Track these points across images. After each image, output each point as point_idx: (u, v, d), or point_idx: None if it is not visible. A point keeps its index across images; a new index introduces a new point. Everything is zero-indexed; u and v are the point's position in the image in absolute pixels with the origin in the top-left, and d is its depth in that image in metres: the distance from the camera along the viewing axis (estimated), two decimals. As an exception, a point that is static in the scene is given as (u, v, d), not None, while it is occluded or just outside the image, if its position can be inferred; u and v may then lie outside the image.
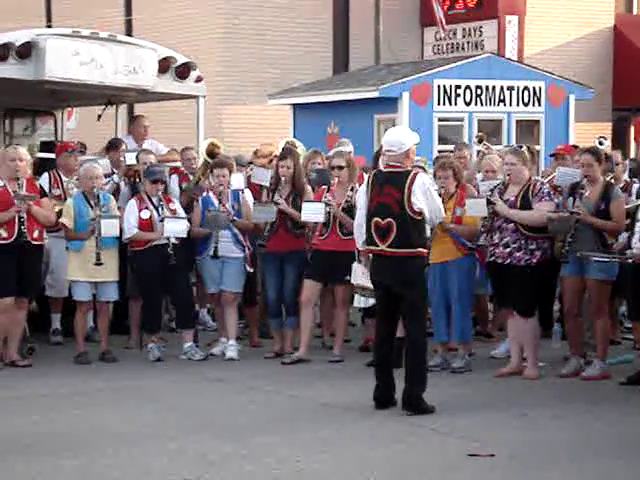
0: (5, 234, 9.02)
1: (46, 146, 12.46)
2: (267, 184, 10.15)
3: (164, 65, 11.61)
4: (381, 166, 9.12)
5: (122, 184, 10.58)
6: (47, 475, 5.88)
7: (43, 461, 6.16)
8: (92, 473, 5.94)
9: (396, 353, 7.86)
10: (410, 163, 7.75)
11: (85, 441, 6.69)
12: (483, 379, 8.76)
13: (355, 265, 8.52)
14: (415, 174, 7.60)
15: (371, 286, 8.08)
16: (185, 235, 9.65)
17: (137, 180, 10.52)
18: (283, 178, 9.74)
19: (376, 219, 7.56)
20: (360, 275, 8.41)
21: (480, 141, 12.51)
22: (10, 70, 10.67)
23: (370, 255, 7.84)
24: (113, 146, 11.13)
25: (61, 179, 10.54)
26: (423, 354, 7.58)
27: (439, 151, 14.17)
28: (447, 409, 7.61)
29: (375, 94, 15.29)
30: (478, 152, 11.99)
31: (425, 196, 7.54)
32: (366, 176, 10.37)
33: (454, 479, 5.92)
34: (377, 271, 7.70)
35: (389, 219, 7.50)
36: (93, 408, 7.71)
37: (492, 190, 8.98)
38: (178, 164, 11.48)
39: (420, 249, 7.57)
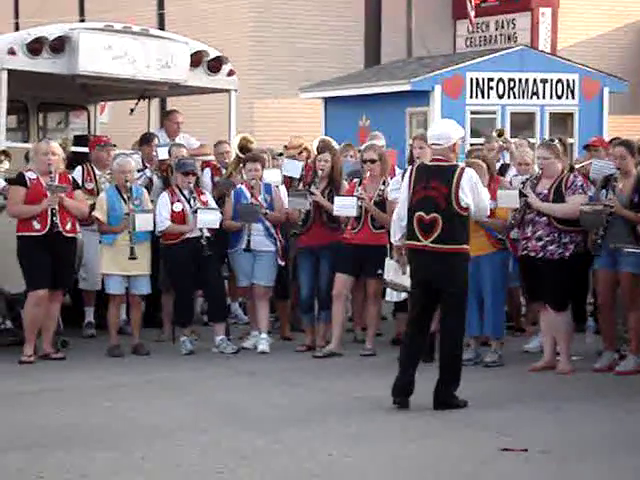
0: (38, 226, 9.08)
1: (79, 140, 12.52)
2: (297, 176, 10.17)
3: (196, 59, 11.62)
4: (415, 159, 9.14)
5: (155, 178, 10.62)
6: (80, 467, 5.91)
7: (76, 453, 6.20)
8: (125, 465, 5.97)
9: (428, 348, 7.83)
10: (455, 157, 7.57)
11: (118, 434, 6.72)
12: (516, 373, 8.72)
13: (388, 261, 8.39)
14: (463, 168, 7.45)
15: (403, 283, 7.99)
16: (217, 226, 9.67)
17: (169, 174, 10.56)
18: (320, 172, 9.73)
19: (420, 213, 7.36)
20: (393, 272, 8.29)
21: (500, 135, 12.46)
22: (43, 64, 10.72)
23: (403, 251, 7.70)
24: (146, 140, 11.17)
25: (94, 173, 10.60)
26: (460, 350, 7.47)
27: (471, 144, 14.11)
28: (479, 403, 7.58)
29: (407, 87, 15.24)
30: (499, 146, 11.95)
31: (472, 191, 7.37)
32: (398, 170, 10.44)
33: (487, 474, 5.89)
34: (419, 268, 7.47)
35: (434, 214, 7.31)
36: (126, 401, 7.75)
37: (524, 183, 8.95)
38: (210, 158, 11.52)
39: (464, 245, 7.40)
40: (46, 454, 6.16)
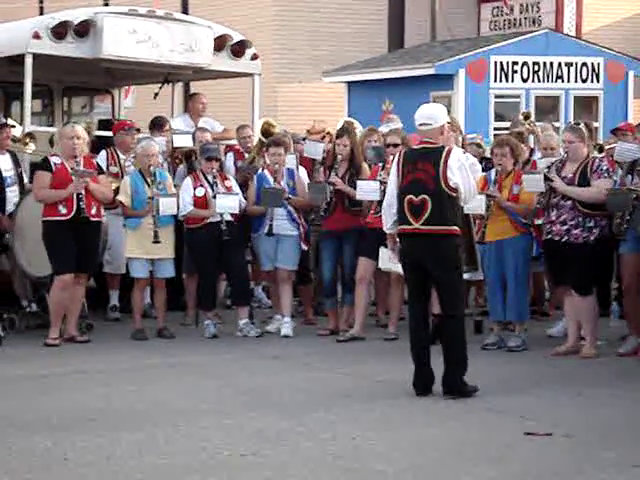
0: (64, 210, 9.13)
1: (104, 124, 12.56)
2: (319, 158, 10.16)
3: (220, 43, 11.63)
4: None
5: (165, 165, 10.59)
6: (106, 449, 5.95)
7: (102, 435, 6.23)
8: (149, 447, 6.00)
9: (433, 330, 7.78)
10: (443, 140, 7.48)
11: (142, 416, 6.76)
12: (539, 358, 8.70)
13: (382, 250, 8.30)
14: (450, 149, 7.39)
15: (399, 270, 7.90)
16: (237, 211, 9.68)
17: (186, 159, 10.57)
18: (340, 156, 9.72)
19: (409, 196, 7.29)
20: (387, 260, 8.22)
21: (526, 118, 12.39)
22: (68, 48, 10.75)
23: (397, 238, 7.55)
24: (157, 125, 11.14)
25: (118, 157, 10.63)
26: (462, 334, 7.33)
27: (495, 128, 14.09)
28: (503, 388, 7.58)
29: (431, 71, 15.21)
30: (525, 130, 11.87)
31: (460, 171, 7.30)
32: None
33: (511, 457, 5.89)
34: (410, 251, 7.40)
35: (423, 195, 7.24)
36: (150, 384, 7.79)
37: (549, 167, 8.91)
38: (234, 142, 11.52)
39: (455, 227, 7.32)
40: (71, 436, 6.20)
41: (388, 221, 7.57)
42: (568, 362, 8.53)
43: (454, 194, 7.30)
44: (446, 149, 7.37)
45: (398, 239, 7.52)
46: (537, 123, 12.13)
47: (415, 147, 7.63)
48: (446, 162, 7.27)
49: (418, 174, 7.31)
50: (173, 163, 10.77)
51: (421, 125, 7.42)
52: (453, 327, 7.32)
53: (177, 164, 10.74)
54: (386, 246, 8.96)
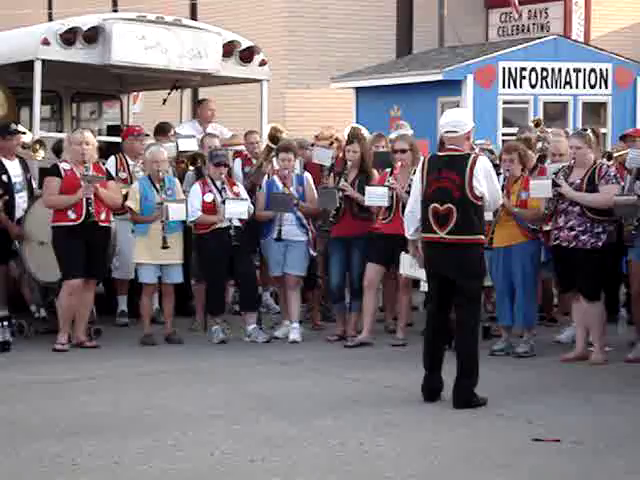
0: (74, 216, 9.15)
1: (112, 130, 12.59)
2: (328, 164, 10.17)
3: (228, 49, 11.66)
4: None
5: (170, 170, 10.60)
6: (113, 454, 5.96)
7: (109, 440, 6.25)
8: (158, 453, 6.01)
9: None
10: (468, 146, 7.47)
11: (151, 422, 6.77)
12: (548, 364, 8.70)
13: (403, 255, 8.22)
14: (476, 157, 7.33)
15: (420, 277, 7.86)
16: (246, 217, 9.69)
17: (201, 163, 10.59)
18: (350, 162, 9.73)
19: (434, 205, 7.23)
20: (408, 266, 8.17)
21: (537, 125, 12.38)
22: (77, 54, 10.79)
23: (419, 245, 7.54)
24: (162, 130, 11.16)
25: (127, 163, 10.65)
26: (476, 343, 7.32)
27: (503, 134, 14.08)
28: (511, 394, 7.57)
29: (439, 77, 15.20)
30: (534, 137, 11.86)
31: (486, 180, 7.25)
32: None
33: (519, 464, 5.89)
34: (434, 260, 7.34)
35: (449, 204, 7.18)
36: (158, 389, 7.80)
37: (556, 173, 8.91)
38: (242, 148, 11.54)
39: (480, 236, 7.29)
40: (79, 441, 6.22)
41: (410, 228, 7.52)
42: (576, 368, 8.52)
43: (479, 203, 7.24)
44: (472, 157, 7.29)
45: (421, 246, 7.47)
46: (548, 129, 12.10)
47: (440, 154, 7.55)
48: (472, 170, 7.19)
49: (443, 182, 7.24)
50: (178, 168, 10.78)
51: (447, 132, 7.36)
52: (469, 336, 7.28)
53: (183, 169, 10.75)
54: (399, 252, 9.02)
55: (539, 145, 10.67)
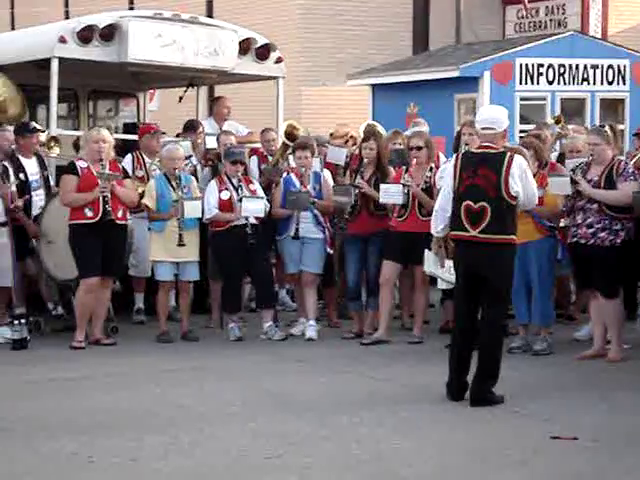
0: (90, 214, 9.17)
1: (129, 128, 12.61)
2: (342, 163, 10.16)
3: (244, 46, 11.66)
4: (463, 147, 9.08)
5: (199, 167, 10.64)
6: (130, 451, 5.97)
7: (126, 438, 6.26)
8: (174, 450, 6.02)
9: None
10: (503, 144, 7.36)
11: (167, 419, 6.78)
12: (565, 362, 8.66)
13: (427, 253, 8.10)
14: (512, 155, 7.20)
15: (442, 276, 7.79)
16: (262, 215, 9.69)
17: (218, 161, 10.60)
18: (366, 160, 9.72)
19: (467, 203, 7.11)
20: (433, 264, 8.05)
21: (557, 122, 12.32)
22: (93, 52, 10.81)
23: (444, 243, 7.50)
24: (191, 128, 11.18)
25: (144, 160, 10.67)
26: (500, 344, 7.26)
27: (520, 131, 14.03)
28: (529, 391, 7.55)
29: (455, 73, 15.15)
30: (554, 133, 11.81)
31: (522, 179, 7.15)
32: (443, 159, 10.38)
33: (537, 462, 5.87)
34: (465, 259, 7.21)
35: (483, 203, 7.06)
36: (175, 386, 7.81)
37: (574, 170, 8.87)
38: (258, 145, 11.54)
39: (513, 236, 7.17)
40: (96, 438, 6.23)
41: (439, 225, 7.41)
42: (594, 366, 8.48)
43: (513, 202, 7.15)
44: (508, 155, 7.19)
45: (453, 244, 7.39)
46: (569, 126, 12.03)
47: (474, 151, 7.45)
48: (508, 169, 7.11)
49: (478, 180, 7.12)
50: (206, 165, 10.80)
51: (484, 129, 7.26)
52: (494, 336, 7.21)
53: (210, 166, 10.76)
54: (415, 249, 8.99)
55: (563, 141, 10.59)
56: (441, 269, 7.74)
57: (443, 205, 7.35)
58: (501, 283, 7.21)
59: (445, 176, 7.63)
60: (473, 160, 7.26)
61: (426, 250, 8.18)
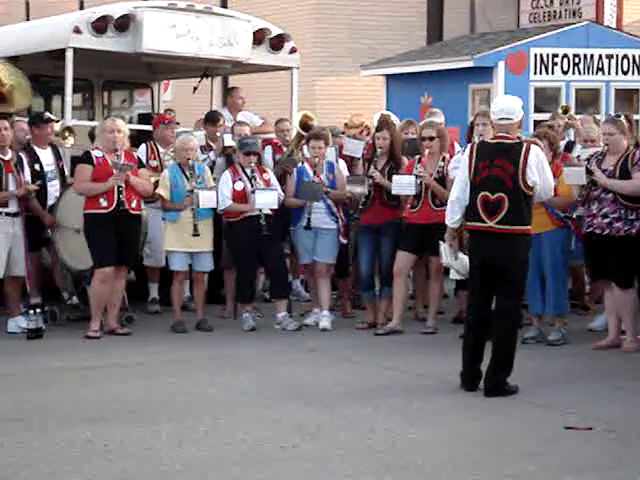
0: (105, 203, 9.19)
1: (143, 118, 12.62)
2: (359, 156, 10.15)
3: (259, 37, 11.65)
4: (476, 137, 9.06)
5: (218, 160, 10.62)
6: (145, 440, 5.99)
7: (142, 427, 6.28)
8: (189, 439, 6.04)
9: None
10: (518, 134, 7.33)
11: (182, 408, 6.80)
12: (579, 352, 8.65)
13: (442, 245, 7.90)
14: (529, 146, 7.17)
15: (456, 267, 7.72)
16: (276, 206, 9.69)
17: (232, 152, 10.60)
18: (380, 150, 9.70)
19: (484, 193, 7.07)
20: (449, 255, 8.03)
21: (565, 112, 12.28)
22: (108, 43, 10.82)
23: (456, 234, 7.45)
24: (212, 120, 11.14)
25: (158, 151, 10.68)
26: (515, 334, 7.26)
27: (535, 121, 14.00)
28: (543, 382, 7.54)
29: (470, 63, 15.12)
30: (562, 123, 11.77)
31: (538, 170, 7.13)
32: (458, 148, 10.35)
33: (551, 452, 5.87)
34: (481, 249, 7.17)
35: (500, 193, 7.03)
36: (190, 376, 7.83)
37: (588, 160, 8.85)
38: (272, 135, 11.54)
39: (529, 227, 7.16)
40: (111, 427, 6.25)
41: (455, 215, 7.35)
42: (609, 356, 8.47)
43: (530, 193, 7.13)
44: (525, 146, 7.16)
45: (467, 235, 7.37)
46: (577, 116, 12.01)
47: (490, 141, 7.39)
48: (526, 160, 7.08)
49: (495, 170, 7.09)
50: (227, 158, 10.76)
51: (501, 119, 7.21)
52: (509, 326, 7.20)
53: (225, 154, 10.73)
54: (428, 240, 8.95)
55: (570, 131, 10.60)
56: (456, 260, 7.68)
57: (459, 195, 7.30)
58: (517, 274, 7.20)
59: (459, 166, 7.60)
60: (489, 150, 7.23)
61: (440, 242, 8.12)
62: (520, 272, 7.23)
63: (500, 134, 7.27)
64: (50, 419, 6.47)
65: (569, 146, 10.51)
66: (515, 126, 7.25)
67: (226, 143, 10.65)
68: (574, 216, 9.00)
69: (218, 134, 10.84)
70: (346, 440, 6.06)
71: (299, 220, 9.90)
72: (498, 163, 7.12)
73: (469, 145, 7.64)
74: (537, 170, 7.15)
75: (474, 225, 7.23)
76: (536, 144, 7.75)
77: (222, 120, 11.13)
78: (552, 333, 9.01)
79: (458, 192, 7.32)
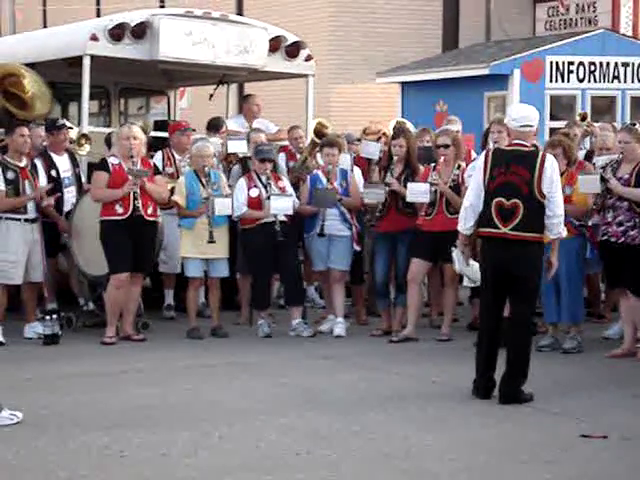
0: (121, 210, 9.23)
1: (159, 125, 12.67)
2: (376, 158, 10.16)
3: (274, 44, 11.68)
4: (491, 144, 9.06)
5: (220, 166, 10.62)
6: (161, 446, 6.00)
7: (156, 433, 6.30)
8: (205, 445, 6.05)
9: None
10: (534, 142, 7.34)
11: (198, 414, 6.81)
12: (595, 360, 8.64)
13: (455, 251, 7.80)
14: (544, 154, 7.21)
15: (468, 274, 7.70)
16: (291, 212, 9.71)
17: (248, 159, 10.62)
18: (396, 157, 9.72)
19: (499, 199, 7.08)
20: (462, 262, 7.82)
21: (583, 119, 12.26)
22: (125, 50, 10.87)
23: (468, 241, 7.42)
24: (214, 127, 11.19)
25: (174, 157, 10.72)
26: (529, 339, 7.25)
27: (550, 129, 13.99)
28: (558, 390, 7.53)
29: (485, 71, 15.15)
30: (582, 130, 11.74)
31: (551, 180, 7.12)
32: (475, 156, 10.35)
33: (567, 460, 5.86)
34: (494, 257, 7.16)
35: (515, 200, 7.04)
36: (205, 382, 7.85)
37: (604, 168, 8.84)
38: (287, 143, 11.56)
39: (542, 234, 7.15)
40: (127, 433, 6.27)
41: (468, 222, 7.31)
42: (624, 364, 8.45)
43: (544, 200, 7.12)
44: (540, 154, 7.19)
45: (480, 242, 7.35)
46: (596, 124, 11.96)
47: (506, 148, 7.39)
48: (542, 167, 7.09)
49: (510, 177, 7.10)
50: (227, 166, 10.82)
51: (523, 126, 7.20)
52: (523, 334, 7.18)
53: (231, 166, 10.79)
54: (443, 247, 8.92)
55: (592, 139, 10.55)
56: (467, 267, 7.66)
57: (474, 202, 7.28)
58: (530, 281, 7.19)
59: (474, 173, 7.59)
60: (505, 157, 7.23)
61: (453, 248, 8.09)
62: (533, 279, 7.21)
63: (517, 141, 7.27)
64: (66, 425, 6.49)
65: (589, 156, 10.44)
66: (532, 134, 7.26)
67: (230, 150, 10.67)
68: (589, 224, 8.99)
69: (221, 142, 10.84)
70: (361, 447, 6.06)
71: (312, 227, 9.92)
72: (514, 170, 7.12)
73: (484, 151, 7.65)
74: (550, 179, 7.13)
75: (487, 231, 7.22)
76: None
77: (224, 127, 11.15)
78: (567, 341, 8.99)
79: (473, 198, 7.31)
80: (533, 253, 7.17)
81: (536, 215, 7.11)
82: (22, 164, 9.46)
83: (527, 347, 7.22)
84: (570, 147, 9.14)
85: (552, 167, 7.18)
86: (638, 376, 8.08)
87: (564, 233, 7.40)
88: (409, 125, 11.21)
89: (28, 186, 9.42)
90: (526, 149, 7.22)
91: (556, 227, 7.24)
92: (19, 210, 9.35)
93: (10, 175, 9.35)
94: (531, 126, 7.23)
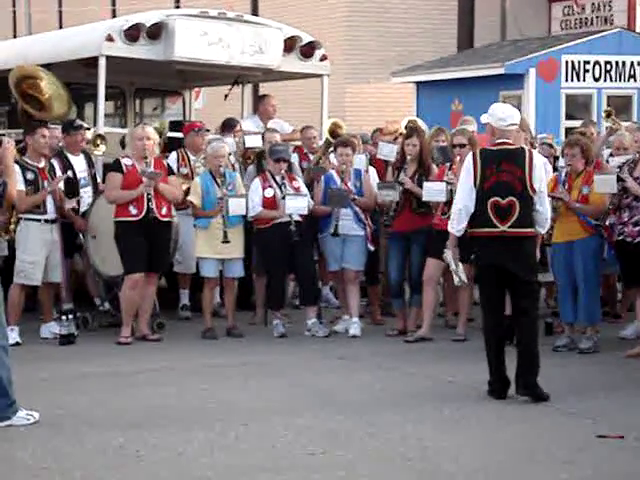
0: (135, 211, 9.25)
1: (175, 125, 12.69)
2: (393, 159, 10.15)
3: (289, 44, 11.68)
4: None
5: (237, 165, 10.66)
6: (178, 446, 6.02)
7: (172, 432, 6.31)
8: (221, 446, 6.06)
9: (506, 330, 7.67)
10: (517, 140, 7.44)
11: (214, 415, 6.82)
12: (611, 360, 8.60)
13: (446, 252, 7.64)
14: (531, 151, 7.35)
15: (462, 275, 7.66)
16: (306, 212, 9.71)
17: (261, 159, 10.63)
18: (409, 156, 9.71)
19: (495, 199, 7.11)
20: (453, 262, 7.66)
21: (608, 116, 12.16)
22: (140, 51, 10.89)
23: (457, 242, 7.40)
24: (228, 126, 11.21)
25: (189, 158, 10.73)
26: (537, 334, 7.27)
27: (566, 128, 13.95)
28: (575, 390, 7.51)
29: (501, 70, 15.11)
30: (606, 128, 11.68)
31: (540, 174, 7.22)
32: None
33: (583, 460, 5.84)
34: (493, 254, 7.18)
35: (511, 198, 7.09)
36: (221, 382, 7.85)
37: (621, 167, 8.81)
38: (300, 143, 11.56)
39: (533, 229, 7.24)
40: (143, 433, 6.28)
41: (461, 223, 7.32)
42: (641, 365, 8.43)
43: (535, 196, 7.19)
44: (527, 150, 7.30)
45: (477, 242, 7.33)
46: (623, 123, 11.83)
47: (493, 148, 7.38)
48: (531, 163, 7.17)
49: (503, 176, 7.16)
50: (245, 163, 10.85)
51: (511, 125, 7.27)
52: (531, 326, 7.22)
53: (249, 164, 10.81)
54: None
55: (611, 138, 10.46)
56: (458, 268, 7.63)
57: (467, 203, 7.27)
58: (531, 275, 7.25)
59: (461, 176, 7.54)
60: (494, 156, 7.26)
61: (445, 251, 7.95)
62: (533, 273, 7.28)
63: (502, 140, 7.29)
64: (82, 425, 6.51)
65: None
66: (514, 132, 7.34)
67: (247, 145, 10.68)
68: (606, 224, 8.96)
69: (237, 140, 10.86)
70: (377, 447, 6.06)
71: (327, 227, 9.91)
72: (505, 168, 7.18)
73: (470, 153, 7.58)
74: (538, 174, 7.21)
75: (484, 231, 7.22)
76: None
77: (238, 126, 11.17)
78: (584, 341, 8.96)
79: (465, 200, 7.29)
80: (530, 248, 7.26)
81: (530, 210, 7.20)
82: (41, 165, 9.50)
83: (535, 337, 7.23)
84: (588, 146, 9.11)
85: (540, 163, 7.29)
86: (655, 376, 8.05)
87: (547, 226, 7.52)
88: (421, 123, 11.19)
89: (47, 187, 9.45)
90: (513, 147, 7.29)
91: (546, 222, 7.37)
92: (39, 210, 9.39)
93: (30, 176, 9.38)
94: (516, 124, 7.33)
